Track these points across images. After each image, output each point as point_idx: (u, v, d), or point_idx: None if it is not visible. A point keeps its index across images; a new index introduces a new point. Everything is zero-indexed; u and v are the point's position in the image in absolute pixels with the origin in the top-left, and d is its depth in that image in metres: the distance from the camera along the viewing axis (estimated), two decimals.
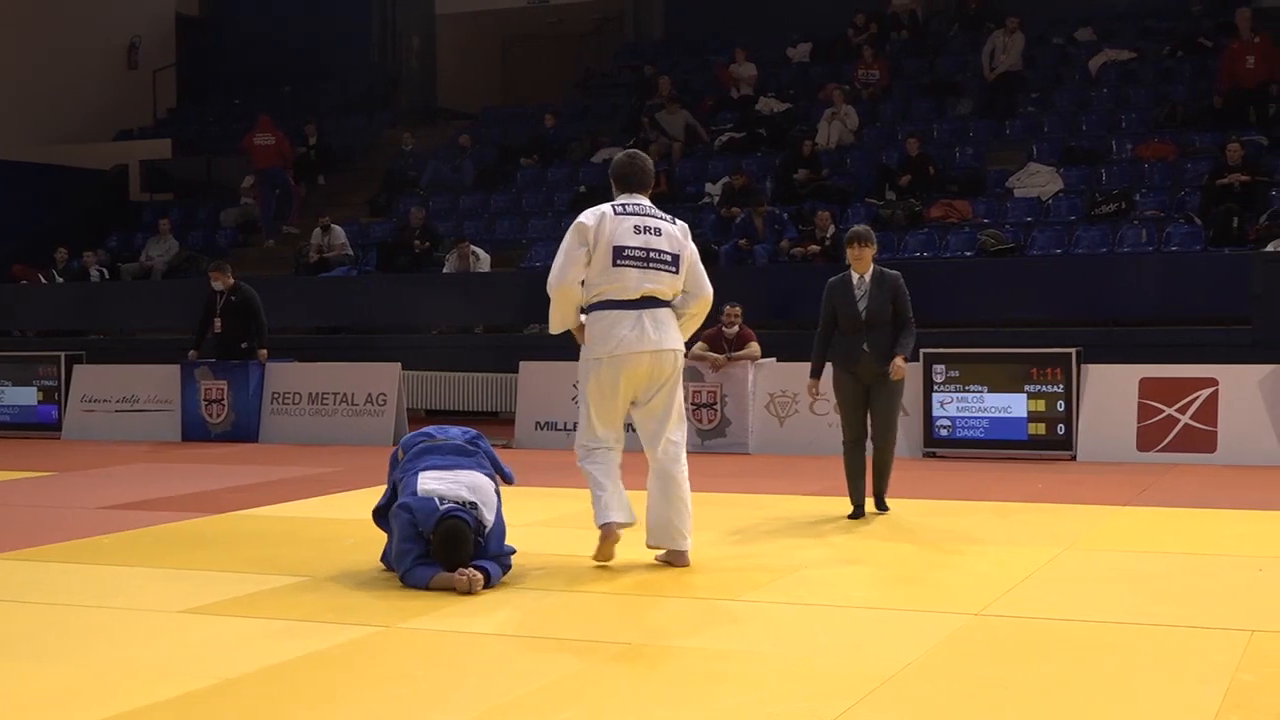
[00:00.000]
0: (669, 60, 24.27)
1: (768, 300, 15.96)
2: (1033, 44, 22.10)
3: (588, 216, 7.62)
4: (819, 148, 19.59)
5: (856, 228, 9.56)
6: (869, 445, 9.35)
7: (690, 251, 7.73)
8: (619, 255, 7.52)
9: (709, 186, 19.75)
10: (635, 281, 7.53)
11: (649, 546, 7.69)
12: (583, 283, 7.65)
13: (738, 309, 13.93)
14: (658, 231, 7.61)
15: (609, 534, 7.61)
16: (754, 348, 13.87)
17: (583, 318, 7.74)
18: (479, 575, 6.85)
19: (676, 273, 7.64)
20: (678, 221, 7.80)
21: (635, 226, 7.57)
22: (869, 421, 9.30)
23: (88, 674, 5.51)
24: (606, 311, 7.58)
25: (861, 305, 9.20)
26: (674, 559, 7.64)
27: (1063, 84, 20.76)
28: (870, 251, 9.28)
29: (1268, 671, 5.33)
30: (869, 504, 9.34)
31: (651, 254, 7.56)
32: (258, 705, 5.11)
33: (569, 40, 28.30)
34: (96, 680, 5.41)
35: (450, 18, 27.61)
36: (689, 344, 8.24)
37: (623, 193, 7.76)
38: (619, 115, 23.01)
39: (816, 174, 19.05)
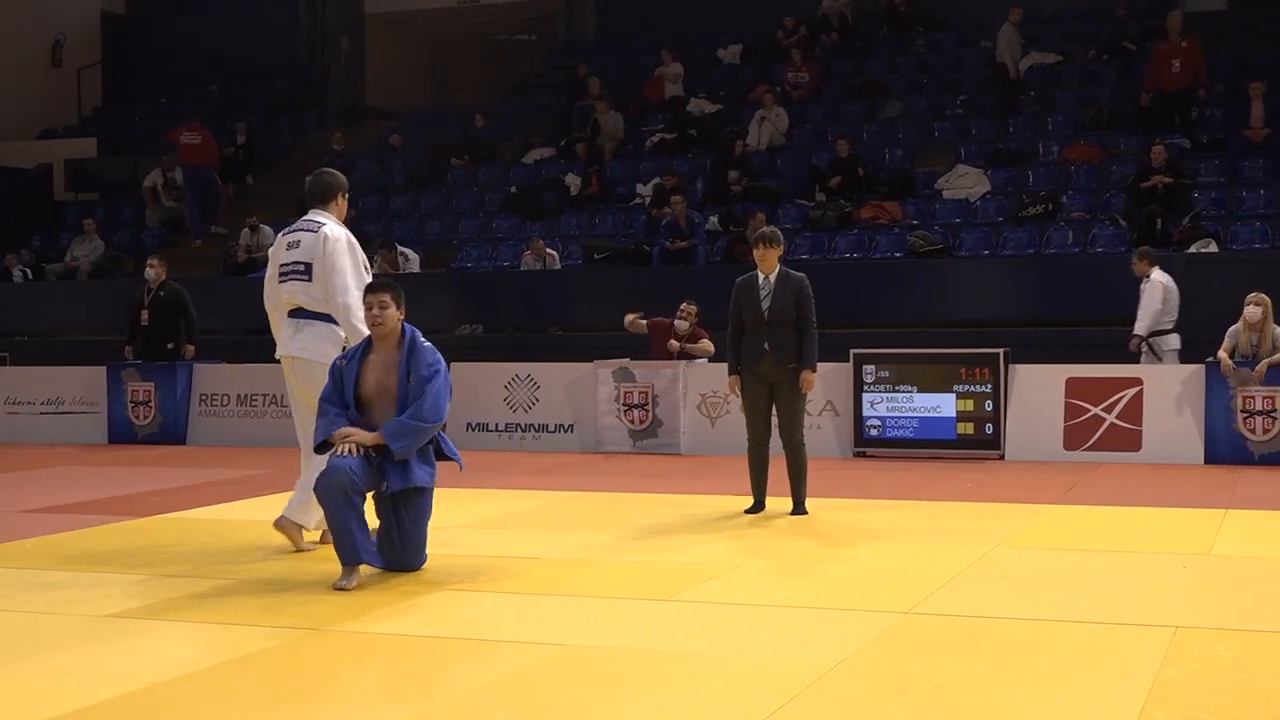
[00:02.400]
0: (600, 61, 24.27)
1: (702, 301, 16.01)
2: (961, 47, 22.31)
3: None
4: (749, 149, 19.67)
5: (764, 229, 9.83)
6: (784, 445, 9.48)
7: (327, 257, 7.94)
8: (279, 272, 8.10)
9: (640, 187, 19.77)
10: (287, 293, 8.06)
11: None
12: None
13: (694, 307, 14.02)
14: (297, 244, 8.05)
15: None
16: (706, 344, 13.92)
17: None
18: (363, 439, 7.07)
19: (310, 280, 7.97)
20: (323, 229, 8.03)
21: (288, 243, 8.11)
22: (774, 421, 9.48)
23: (12, 679, 5.43)
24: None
25: (765, 305, 9.34)
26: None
27: (990, 87, 20.93)
28: (775, 253, 9.43)
29: (1191, 667, 5.41)
30: (787, 506, 9.46)
31: (289, 266, 8.04)
32: (185, 710, 5.06)
33: (500, 40, 28.23)
34: (21, 685, 5.34)
35: (380, 17, 27.46)
36: None
37: (309, 210, 8.27)
38: (550, 116, 22.98)
39: (748, 175, 19.12)
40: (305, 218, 8.23)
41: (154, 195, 22.38)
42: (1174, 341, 13.77)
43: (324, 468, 7.15)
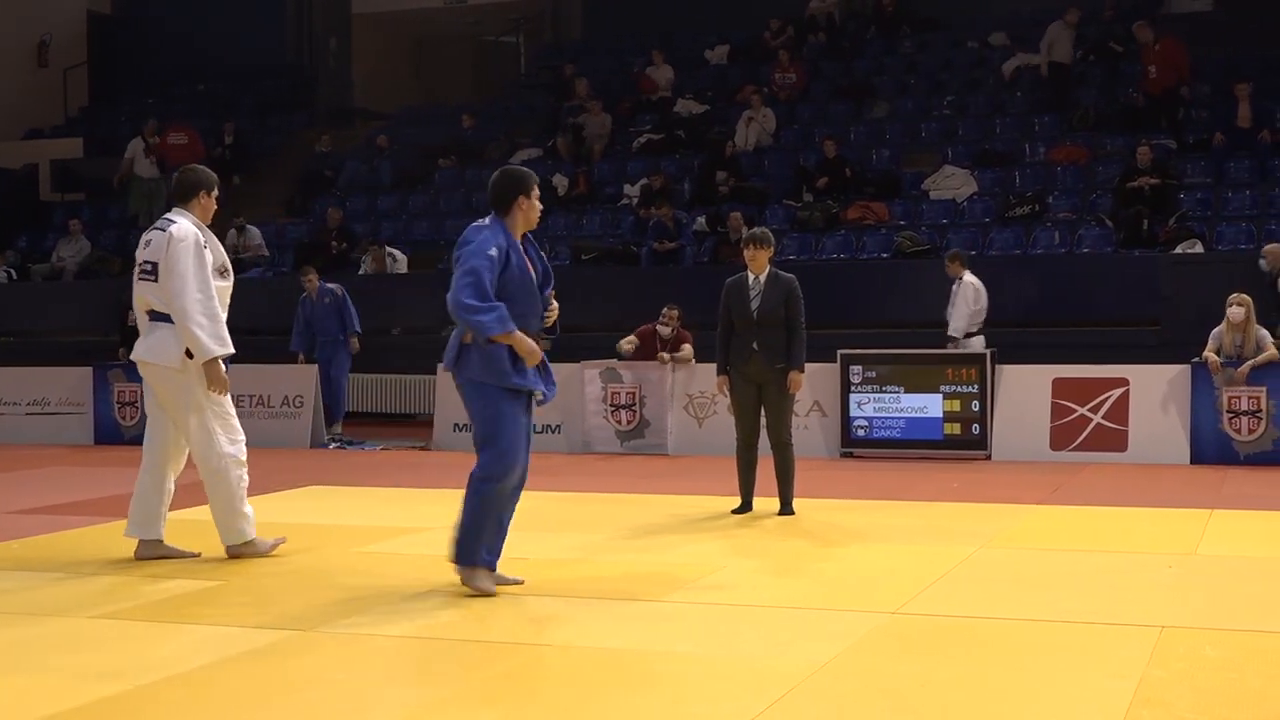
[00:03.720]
0: (588, 62, 24.27)
1: (690, 302, 16.03)
2: (948, 48, 22.34)
3: None
4: (737, 149, 19.69)
5: (754, 230, 9.88)
6: (771, 446, 9.49)
7: (169, 257, 7.52)
8: (136, 273, 7.74)
9: (627, 188, 19.78)
10: (138, 294, 7.74)
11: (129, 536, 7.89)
12: None
13: (675, 311, 14.00)
14: (149, 243, 7.70)
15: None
16: (687, 350, 13.90)
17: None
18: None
19: (156, 281, 7.60)
20: (171, 228, 7.60)
21: (142, 242, 7.76)
22: (763, 422, 9.49)
23: None
24: None
25: (754, 305, 9.37)
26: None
27: (977, 88, 20.98)
28: (766, 254, 9.46)
29: (1178, 667, 5.42)
30: (774, 506, 9.48)
31: (139, 266, 7.70)
32: (174, 711, 5.06)
33: (487, 41, 28.22)
34: (8, 687, 5.32)
35: (367, 18, 27.44)
36: None
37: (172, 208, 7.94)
38: (537, 116, 22.98)
39: (736, 176, 19.14)
40: (163, 216, 7.84)
41: (129, 166, 22.02)
42: (979, 344, 14.13)
43: (515, 458, 6.99)
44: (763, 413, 9.49)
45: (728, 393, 9.64)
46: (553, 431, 14.27)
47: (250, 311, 19.04)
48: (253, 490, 11.03)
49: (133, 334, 15.53)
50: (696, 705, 5.01)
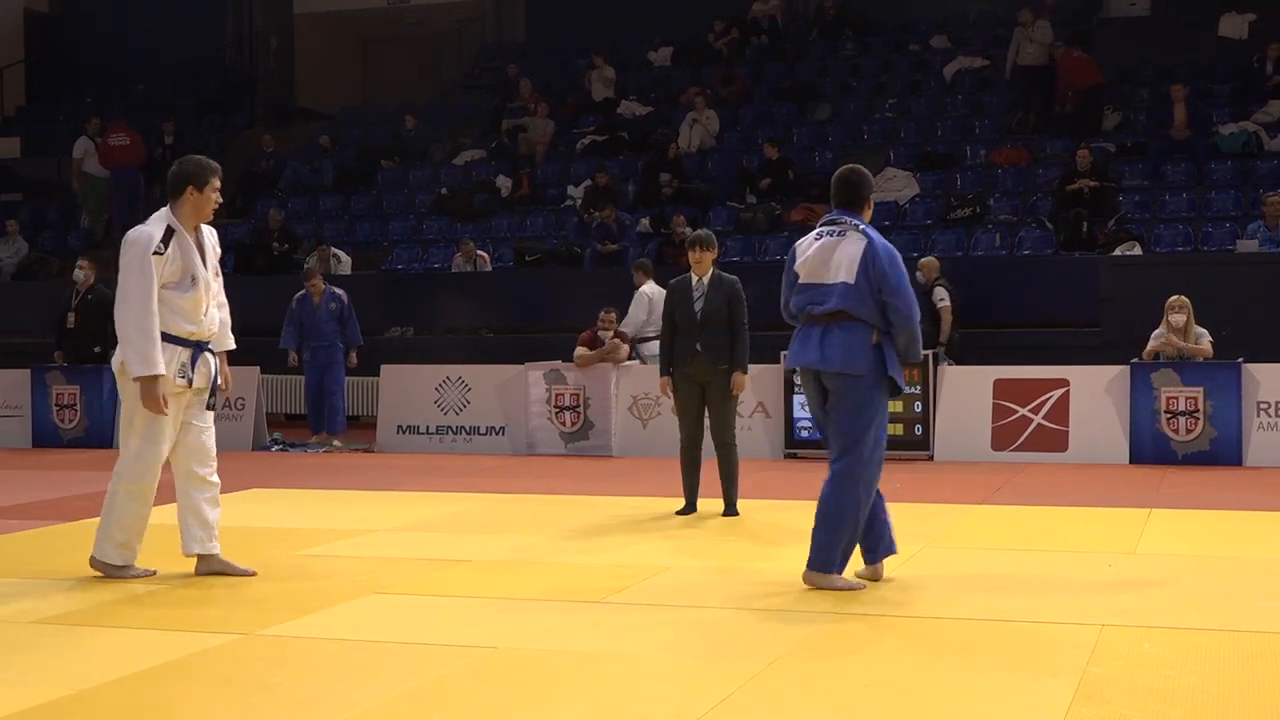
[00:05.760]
0: (530, 62, 24.24)
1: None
2: (889, 50, 22.47)
3: None
4: (680, 151, 19.72)
5: (699, 232, 9.91)
6: (715, 446, 9.51)
7: (120, 261, 7.20)
8: None
9: (571, 190, 19.77)
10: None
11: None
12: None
13: (612, 314, 13.98)
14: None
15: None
16: (621, 350, 13.90)
17: None
18: None
19: None
20: (132, 230, 7.31)
21: None
22: (706, 423, 9.52)
23: None
24: None
25: (698, 306, 9.42)
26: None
27: (919, 90, 21.11)
28: (710, 255, 9.51)
29: (1117, 665, 5.48)
30: (719, 508, 9.51)
31: None
32: (115, 716, 5.02)
33: (429, 41, 28.13)
34: None
35: (309, 17, 27.28)
36: None
37: None
38: (481, 117, 22.92)
39: (680, 178, 19.17)
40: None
41: (78, 165, 21.82)
42: (652, 348, 14.32)
43: (878, 454, 6.90)
44: (706, 413, 9.52)
45: (671, 394, 9.66)
46: (497, 433, 14.25)
47: None
48: None
49: (69, 336, 15.47)
50: (640, 707, 5.02)
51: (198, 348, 7.33)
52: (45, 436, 15.47)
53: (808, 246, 7.09)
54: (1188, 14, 20.83)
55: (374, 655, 5.86)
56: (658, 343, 14.18)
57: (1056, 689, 5.12)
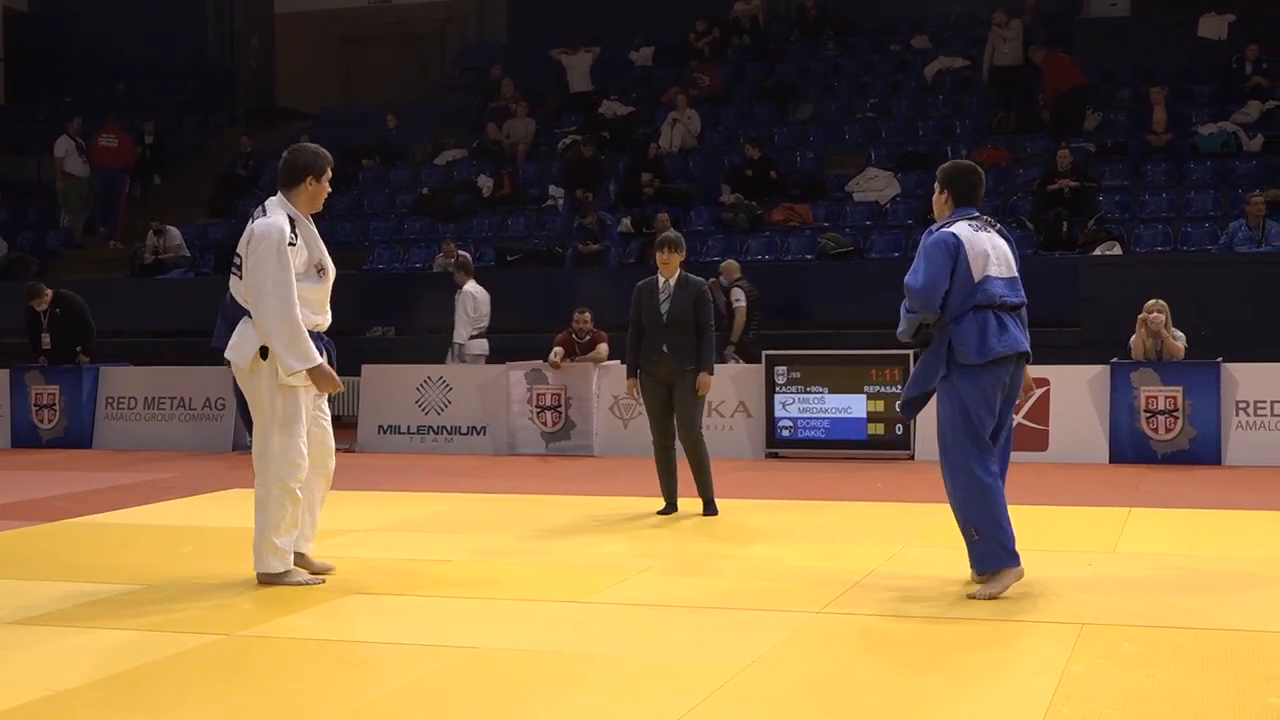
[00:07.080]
0: (511, 62, 24.22)
1: (615, 303, 16.04)
2: (870, 51, 22.51)
3: None
4: (661, 151, 19.72)
5: (667, 233, 9.88)
6: (681, 443, 9.53)
7: (252, 256, 6.97)
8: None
9: (552, 189, 19.75)
10: (232, 288, 7.26)
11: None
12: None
13: (587, 314, 13.97)
14: (247, 233, 7.09)
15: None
16: (601, 349, 13.90)
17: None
18: None
19: (241, 277, 7.08)
20: (256, 222, 7.07)
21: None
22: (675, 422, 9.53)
23: None
24: None
25: (664, 308, 9.44)
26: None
27: (900, 90, 21.14)
28: (677, 258, 9.53)
29: (1097, 663, 5.49)
30: (699, 507, 9.51)
31: (234, 257, 7.22)
32: (94, 717, 5.00)
33: (411, 40, 28.09)
34: None
35: (290, 17, 27.21)
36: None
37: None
38: (462, 116, 22.89)
39: (661, 177, 19.17)
40: (264, 203, 7.28)
41: (61, 165, 21.72)
42: (481, 346, 14.92)
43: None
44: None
45: (638, 394, 9.68)
46: (478, 433, 14.23)
47: (171, 313, 19.01)
48: (175, 493, 10.98)
49: (49, 355, 15.34)
50: (621, 706, 5.02)
51: (321, 340, 7.22)
52: (24, 437, 15.40)
53: (970, 236, 7.18)
54: (1167, 15, 20.89)
55: (355, 655, 5.85)
56: (479, 342, 14.55)
57: (1037, 688, 5.13)
